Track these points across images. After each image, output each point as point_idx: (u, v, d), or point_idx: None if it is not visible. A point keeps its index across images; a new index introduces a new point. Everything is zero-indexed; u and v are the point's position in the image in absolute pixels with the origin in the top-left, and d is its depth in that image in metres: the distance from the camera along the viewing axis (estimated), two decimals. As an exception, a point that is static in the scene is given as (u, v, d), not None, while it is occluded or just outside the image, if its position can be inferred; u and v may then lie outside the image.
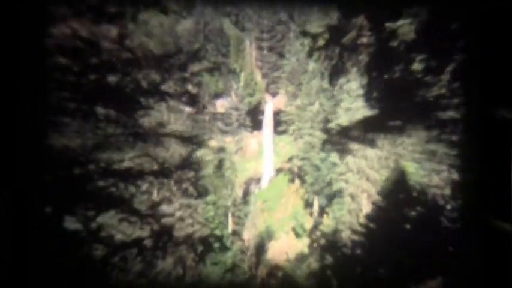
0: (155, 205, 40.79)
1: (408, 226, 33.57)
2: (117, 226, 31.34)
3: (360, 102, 60.31)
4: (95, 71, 15.04)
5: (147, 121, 19.22)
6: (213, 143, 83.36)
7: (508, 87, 6.64)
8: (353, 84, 68.50)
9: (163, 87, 16.78)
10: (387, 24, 18.07)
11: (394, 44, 18.35)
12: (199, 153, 54.09)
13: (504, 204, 6.65)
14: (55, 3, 13.84)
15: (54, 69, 14.06)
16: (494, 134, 6.84)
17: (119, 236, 27.21)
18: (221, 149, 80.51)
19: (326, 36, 20.49)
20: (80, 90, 14.76)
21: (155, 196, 42.57)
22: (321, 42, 20.62)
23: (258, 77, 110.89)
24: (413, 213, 34.89)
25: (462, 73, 16.44)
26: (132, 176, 17.60)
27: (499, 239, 6.70)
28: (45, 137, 14.22)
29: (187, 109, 54.13)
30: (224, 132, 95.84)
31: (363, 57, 20.38)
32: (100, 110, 15.47)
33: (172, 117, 48.14)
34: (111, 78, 15.48)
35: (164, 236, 20.96)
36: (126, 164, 21.09)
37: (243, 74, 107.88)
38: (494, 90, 6.83)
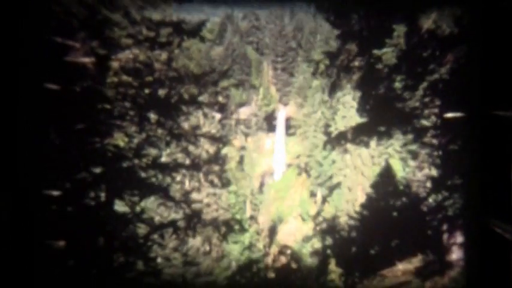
0: (187, 193, 41.14)
1: (395, 214, 33.59)
2: (156, 210, 31.72)
3: (353, 112, 60.47)
4: (149, 86, 15.60)
5: (187, 124, 19.58)
6: (236, 142, 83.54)
7: (508, 87, 6.33)
8: (347, 97, 69.05)
9: (200, 99, 17.06)
10: (374, 51, 18.59)
11: (379, 66, 18.89)
12: (225, 150, 54.33)
13: (504, 205, 6.30)
14: (123, 36, 14.57)
15: (119, 85, 14.66)
16: (494, 134, 6.53)
17: (157, 218, 27.53)
18: (242, 147, 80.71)
19: (326, 62, 20.97)
20: (138, 100, 15.28)
21: (187, 186, 42.92)
22: (321, 67, 21.10)
23: (273, 91, 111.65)
24: (399, 203, 34.91)
25: (462, 73, 16.66)
26: (169, 169, 17.82)
27: (499, 240, 6.33)
28: (103, 136, 14.67)
29: (218, 115, 54.53)
30: (245, 134, 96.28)
31: (356, 77, 20.84)
32: (152, 116, 15.95)
33: (206, 121, 48.46)
34: (161, 92, 15.98)
35: (194, 218, 21.11)
36: (164, 159, 21.42)
37: (261, 89, 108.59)
38: (494, 90, 6.53)
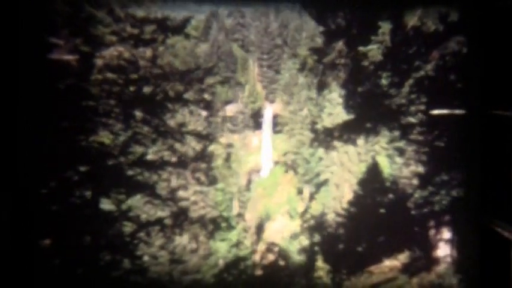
0: (174, 191, 41.02)
1: (382, 210, 33.70)
2: (142, 207, 31.59)
3: (340, 109, 60.57)
4: (134, 83, 15.58)
5: (172, 122, 19.54)
6: (223, 140, 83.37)
7: (508, 87, 6.26)
8: (334, 95, 69.01)
9: (185, 96, 17.07)
10: (359, 48, 18.62)
11: (365, 63, 18.92)
12: (211, 148, 54.17)
13: (504, 205, 6.23)
14: (107, 33, 14.59)
15: (103, 82, 14.66)
16: (494, 134, 6.47)
17: (144, 216, 27.41)
18: (229, 145, 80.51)
19: (314, 57, 20.94)
20: (123, 98, 15.27)
21: (174, 183, 42.78)
22: (309, 62, 21.06)
23: (259, 88, 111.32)
24: (386, 199, 35.04)
25: (462, 72, 16.77)
26: (155, 166, 17.83)
27: (498, 240, 6.27)
28: (91, 134, 14.67)
29: (204, 113, 54.41)
30: (232, 131, 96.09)
31: (341, 74, 20.86)
32: (138, 113, 15.93)
33: (192, 119, 48.32)
34: (146, 89, 15.97)
35: (181, 216, 21.17)
36: (150, 156, 21.34)
37: (247, 86, 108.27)
38: (493, 90, 6.47)
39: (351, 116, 22.69)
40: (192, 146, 39.24)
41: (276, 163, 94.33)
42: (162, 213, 27.63)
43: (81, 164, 14.38)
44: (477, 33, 6.99)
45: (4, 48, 7.71)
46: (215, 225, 48.77)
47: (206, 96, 19.65)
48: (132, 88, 15.83)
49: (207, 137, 32.89)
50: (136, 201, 28.36)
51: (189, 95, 17.74)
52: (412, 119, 20.40)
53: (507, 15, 6.47)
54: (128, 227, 17.07)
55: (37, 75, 11.26)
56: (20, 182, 8.50)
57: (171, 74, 16.97)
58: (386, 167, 49.35)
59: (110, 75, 15.11)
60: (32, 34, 10.77)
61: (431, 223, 22.53)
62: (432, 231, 22.41)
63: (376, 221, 31.59)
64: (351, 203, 39.77)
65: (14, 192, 7.88)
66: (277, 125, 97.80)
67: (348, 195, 50.96)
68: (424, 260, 22.88)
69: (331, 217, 52.16)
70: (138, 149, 17.25)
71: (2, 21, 7.60)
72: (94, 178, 14.65)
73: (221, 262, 44.96)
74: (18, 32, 8.34)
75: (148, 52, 16.09)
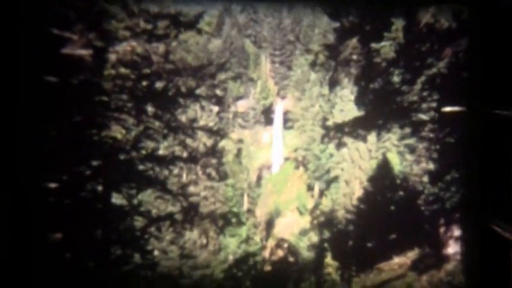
0: (184, 186, 41.17)
1: (392, 207, 33.64)
2: (153, 202, 31.74)
3: (351, 105, 60.31)
4: (147, 78, 15.60)
5: (184, 117, 19.61)
6: (234, 136, 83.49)
7: (508, 86, 6.22)
8: (345, 91, 68.98)
9: (197, 91, 17.08)
10: (372, 45, 18.53)
11: (378, 60, 18.83)
12: (222, 144, 54.23)
13: (504, 205, 6.21)
14: (120, 28, 14.64)
15: (116, 77, 14.70)
16: (494, 134, 6.42)
17: (155, 211, 27.54)
18: (240, 141, 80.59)
19: (325, 53, 20.86)
20: (135, 93, 15.30)
21: (184, 179, 42.94)
22: (320, 58, 20.99)
23: (271, 84, 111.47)
24: (396, 196, 34.96)
25: (462, 70, 16.71)
26: (166, 161, 17.85)
27: (498, 240, 6.25)
28: (103, 129, 14.75)
29: (215, 108, 54.49)
30: (243, 127, 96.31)
31: (353, 70, 20.80)
32: (149, 109, 15.97)
33: (204, 114, 48.44)
34: (159, 84, 15.98)
35: (191, 211, 21.17)
36: (161, 152, 21.45)
37: (259, 82, 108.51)
38: (494, 89, 6.41)
39: (362, 113, 22.62)
40: (203, 141, 39.38)
41: (287, 159, 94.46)
42: (173, 208, 27.78)
43: (93, 159, 14.43)
44: (478, 33, 6.99)
45: (16, 43, 7.74)
46: (225, 220, 48.95)
47: (218, 92, 19.73)
48: (144, 83, 15.85)
49: (218, 133, 32.92)
50: (147, 196, 28.56)
51: (201, 91, 17.77)
52: (423, 116, 20.32)
53: (508, 16, 6.45)
54: (139, 222, 17.13)
55: (50, 70, 11.32)
56: (29, 177, 8.55)
57: (183, 69, 16.98)
58: (397, 164, 49.24)
59: (123, 70, 15.14)
60: (44, 29, 10.82)
61: (441, 221, 22.44)
62: (442, 229, 22.33)
63: (386, 218, 31.54)
64: (361, 200, 39.72)
65: (22, 187, 7.91)
66: (288, 121, 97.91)
67: (358, 192, 50.94)
68: (434, 258, 22.80)
69: (341, 214, 52.09)
70: (150, 144, 17.30)
71: (14, 15, 7.62)
72: (106, 173, 14.69)
73: (231, 258, 45.11)
74: (31, 27, 8.37)
75: (161, 47, 16.10)
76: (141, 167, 16.44)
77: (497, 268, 6.25)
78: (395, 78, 19.87)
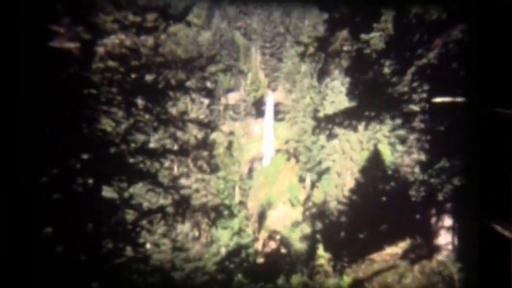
0: (175, 179, 41.08)
1: (383, 198, 33.77)
2: (144, 195, 31.66)
3: (342, 97, 60.44)
4: (136, 71, 15.54)
5: (174, 110, 19.57)
6: (225, 128, 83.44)
7: (508, 86, 6.23)
8: (336, 82, 68.98)
9: (187, 84, 17.06)
10: (362, 36, 18.53)
11: (368, 51, 18.85)
12: (213, 136, 54.19)
13: (503, 206, 6.22)
14: (108, 21, 14.56)
15: (105, 70, 14.65)
16: (494, 134, 6.43)
17: (146, 204, 27.48)
18: (231, 133, 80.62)
19: (315, 45, 20.83)
20: (124, 86, 15.25)
21: (175, 171, 42.85)
22: (310, 49, 20.94)
23: (262, 76, 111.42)
24: (387, 187, 35.08)
25: (462, 71, 16.77)
26: (157, 154, 17.85)
27: (498, 241, 6.26)
28: (96, 123, 14.72)
29: (206, 101, 54.38)
30: (234, 119, 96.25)
31: (344, 62, 20.81)
32: (139, 101, 15.93)
33: (194, 107, 48.29)
34: (148, 77, 15.94)
35: (183, 204, 21.18)
36: (152, 144, 21.39)
37: (249, 74, 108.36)
38: (494, 89, 6.43)
39: (353, 104, 22.68)
40: (193, 134, 39.29)
41: (278, 151, 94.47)
42: (164, 201, 27.67)
43: (83, 152, 14.40)
44: (476, 32, 7.01)
45: (3, 36, 7.68)
46: (217, 213, 48.88)
47: (208, 84, 19.66)
48: (134, 76, 15.80)
49: (208, 125, 32.93)
50: (139, 189, 28.43)
51: (191, 83, 17.73)
52: (414, 107, 20.38)
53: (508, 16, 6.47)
54: (130, 215, 17.14)
55: (38, 63, 11.24)
56: (21, 172, 8.51)
57: (173, 62, 16.93)
58: (388, 155, 49.36)
59: (111, 63, 15.07)
60: (32, 22, 10.73)
61: (433, 211, 22.55)
62: (433, 219, 22.44)
63: (378, 209, 31.66)
64: (352, 191, 39.87)
65: (14, 182, 7.88)
66: (279, 113, 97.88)
67: (350, 183, 51.11)
68: (425, 248, 22.93)
69: (333, 205, 52.21)
70: (140, 137, 17.27)
71: (1, 9, 7.57)
72: (96, 166, 14.67)
73: (223, 250, 45.14)
74: (18, 20, 8.30)
75: (150, 40, 16.03)
76: (131, 160, 16.43)
77: (496, 267, 6.28)
78: (386, 69, 19.91)
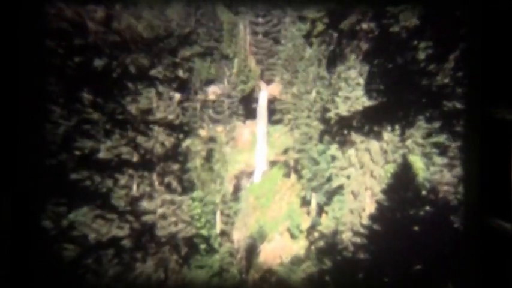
0: (135, 201, 40.71)
1: (416, 228, 33.53)
2: (91, 224, 31.24)
3: (359, 91, 60.27)
4: (80, 53, 15.07)
5: (134, 108, 19.18)
6: (203, 133, 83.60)
7: (508, 86, 6.60)
8: (352, 72, 68.67)
9: (152, 73, 16.73)
10: (388, 8, 18.18)
11: (396, 29, 18.49)
12: (187, 143, 54.01)
13: (504, 205, 6.60)
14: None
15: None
16: (494, 134, 6.79)
17: (93, 235, 27.03)
18: (211, 139, 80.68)
19: (325, 20, 20.49)
20: (64, 74, 14.80)
21: (135, 191, 42.50)
22: (318, 27, 20.61)
23: (252, 63, 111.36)
24: (421, 213, 34.84)
25: (462, 71, 16.53)
26: (110, 168, 17.47)
27: (499, 239, 6.65)
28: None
29: (177, 96, 54.15)
30: (215, 121, 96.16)
31: (363, 44, 20.46)
32: (85, 95, 15.49)
33: (161, 104, 48.07)
34: (98, 62, 15.50)
35: (144, 235, 20.86)
36: (103, 154, 20.95)
37: (236, 60, 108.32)
38: (494, 89, 6.80)
39: (375, 101, 22.38)
40: (160, 140, 39.03)
41: (273, 164, 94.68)
42: (119, 231, 27.30)
43: (4, 164, 13.91)
44: (479, 33, 7.39)
45: None
46: (191, 247, 48.64)
47: (180, 73, 19.30)
48: (77, 60, 15.35)
49: (180, 129, 32.65)
50: (82, 216, 28.01)
51: (157, 72, 17.37)
52: (458, 105, 20.08)
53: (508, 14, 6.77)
54: (70, 251, 16.66)
55: None
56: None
57: (132, 42, 16.53)
58: (422, 170, 49.39)
59: (46, 41, 14.63)
60: None
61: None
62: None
63: (409, 242, 31.41)
64: (373, 218, 39.68)
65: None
66: (276, 113, 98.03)
67: (370, 208, 51.05)
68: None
69: (346, 236, 52.28)
70: (86, 144, 16.83)
71: None
72: (21, 183, 14.17)
73: (198, 298, 44.94)
74: None
75: (100, 12, 15.62)
76: (73, 176, 16.03)
77: (496, 267, 6.69)
78: (421, 54, 19.61)
